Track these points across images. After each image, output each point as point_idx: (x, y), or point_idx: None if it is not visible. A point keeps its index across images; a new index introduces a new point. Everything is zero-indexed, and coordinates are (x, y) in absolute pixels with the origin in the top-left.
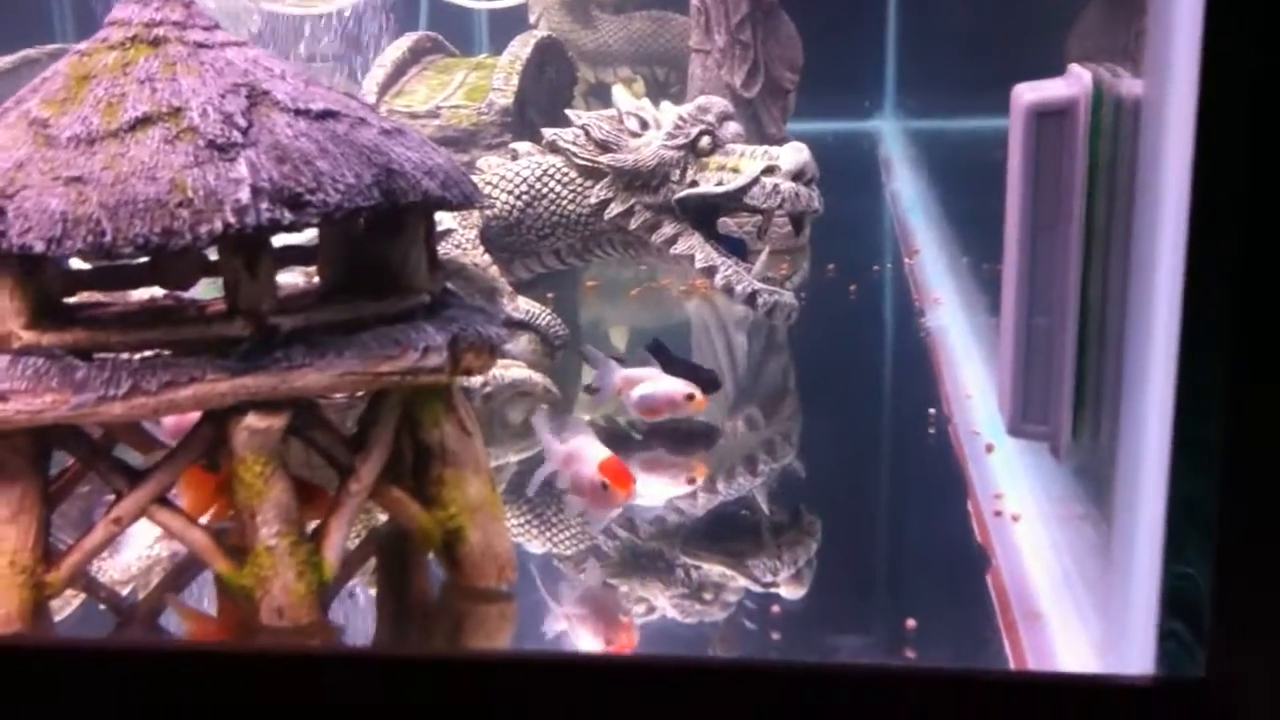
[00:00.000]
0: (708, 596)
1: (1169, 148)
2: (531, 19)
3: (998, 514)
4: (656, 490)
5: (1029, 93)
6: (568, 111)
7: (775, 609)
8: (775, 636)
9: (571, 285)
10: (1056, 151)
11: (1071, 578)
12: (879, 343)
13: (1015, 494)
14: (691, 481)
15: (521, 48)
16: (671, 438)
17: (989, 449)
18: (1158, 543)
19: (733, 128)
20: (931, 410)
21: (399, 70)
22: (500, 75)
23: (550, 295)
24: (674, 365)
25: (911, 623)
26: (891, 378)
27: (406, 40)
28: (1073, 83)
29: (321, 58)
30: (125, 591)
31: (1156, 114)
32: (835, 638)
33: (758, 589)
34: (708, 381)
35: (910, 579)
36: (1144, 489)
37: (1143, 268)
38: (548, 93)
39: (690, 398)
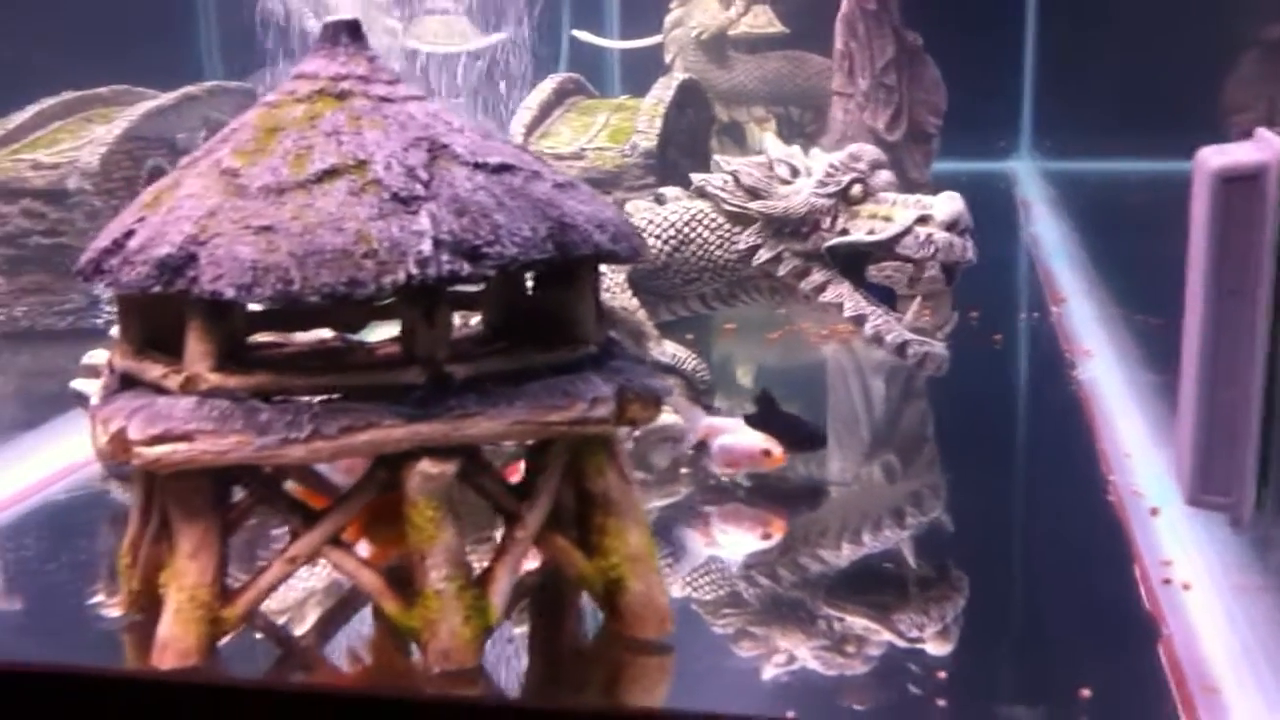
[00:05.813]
0: (850, 650)
1: None
2: (667, 58)
3: (1167, 581)
4: (734, 543)
5: (1216, 157)
6: (716, 157)
7: (941, 674)
8: (941, 703)
9: (709, 328)
10: (1244, 217)
11: (1252, 651)
12: (1028, 394)
13: (1184, 561)
14: (767, 536)
15: (664, 90)
16: (764, 494)
17: (1154, 512)
18: None
19: (884, 176)
20: (1112, 478)
21: (544, 112)
22: (644, 118)
23: (689, 337)
24: (779, 418)
25: (1086, 692)
26: (1043, 432)
27: (551, 82)
28: (1263, 148)
29: (462, 95)
30: (281, 625)
31: None
32: (1005, 707)
33: (904, 645)
34: (811, 437)
35: (1077, 645)
36: None
37: None
38: (687, 133)
39: (767, 454)
